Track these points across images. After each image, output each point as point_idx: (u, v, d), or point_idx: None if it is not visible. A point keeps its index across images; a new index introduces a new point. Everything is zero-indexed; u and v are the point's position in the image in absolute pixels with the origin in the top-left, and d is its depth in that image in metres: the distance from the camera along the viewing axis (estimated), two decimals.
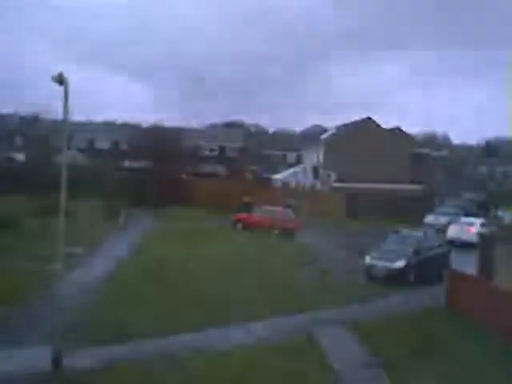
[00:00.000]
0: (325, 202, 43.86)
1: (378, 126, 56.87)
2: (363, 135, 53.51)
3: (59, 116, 12.25)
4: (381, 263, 21.15)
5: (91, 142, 68.41)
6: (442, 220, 41.02)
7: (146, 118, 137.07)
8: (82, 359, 11.38)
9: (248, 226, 32.86)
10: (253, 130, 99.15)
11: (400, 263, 20.90)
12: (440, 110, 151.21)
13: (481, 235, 23.72)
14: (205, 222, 34.58)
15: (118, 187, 40.03)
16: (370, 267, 21.38)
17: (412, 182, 53.55)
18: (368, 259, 21.67)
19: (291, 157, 78.35)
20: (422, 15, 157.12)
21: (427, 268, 21.76)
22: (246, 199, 39.10)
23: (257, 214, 33.88)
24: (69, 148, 26.63)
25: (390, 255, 21.27)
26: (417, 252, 21.59)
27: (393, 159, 53.46)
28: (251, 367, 11.58)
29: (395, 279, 20.61)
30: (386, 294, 19.42)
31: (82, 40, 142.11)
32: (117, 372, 10.94)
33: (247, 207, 37.11)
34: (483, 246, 21.08)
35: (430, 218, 41.39)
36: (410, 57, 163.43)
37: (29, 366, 10.98)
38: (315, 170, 57.74)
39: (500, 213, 46.79)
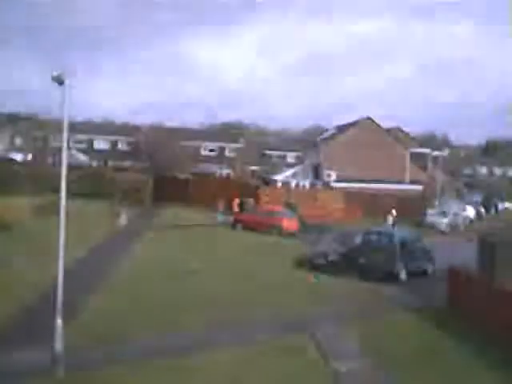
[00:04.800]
0: (325, 201, 43.79)
1: (378, 126, 56.86)
2: (363, 135, 53.49)
3: (59, 116, 12.23)
4: (320, 256, 23.51)
5: (91, 142, 68.32)
6: (442, 220, 41.09)
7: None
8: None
9: (248, 226, 32.81)
10: (253, 130, 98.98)
11: (332, 257, 23.30)
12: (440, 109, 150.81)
13: (481, 235, 23.70)
14: (204, 223, 34.50)
15: (118, 187, 39.98)
16: (312, 258, 23.59)
17: (412, 182, 53.55)
18: (310, 252, 24.32)
19: (291, 157, 78.24)
20: None
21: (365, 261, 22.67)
22: (246, 199, 39.02)
23: (257, 214, 33.84)
24: (69, 148, 26.59)
25: (328, 250, 23.90)
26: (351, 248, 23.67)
27: (393, 159, 53.47)
28: None
29: (329, 269, 22.47)
30: None
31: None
32: None
33: (247, 207, 37.09)
34: (483, 245, 21.05)
35: (430, 218, 41.43)
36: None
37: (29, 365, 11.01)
38: (315, 169, 57.71)
39: (501, 205, 47.82)
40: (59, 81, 11.25)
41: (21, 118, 65.11)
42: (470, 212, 46.67)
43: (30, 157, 54.11)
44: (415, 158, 60.43)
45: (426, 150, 69.27)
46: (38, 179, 36.85)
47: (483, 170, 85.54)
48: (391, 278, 21.62)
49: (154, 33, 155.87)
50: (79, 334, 12.72)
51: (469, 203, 51.01)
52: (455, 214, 43.03)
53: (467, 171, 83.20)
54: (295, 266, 23.35)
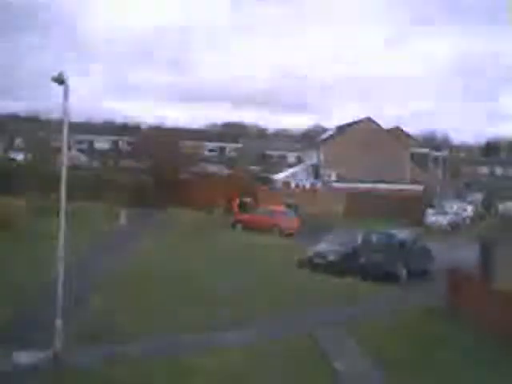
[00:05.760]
0: (325, 201, 43.86)
1: (378, 125, 56.87)
2: (363, 135, 53.51)
3: (59, 116, 12.25)
4: (320, 256, 23.32)
5: (91, 142, 68.42)
6: (443, 220, 41.14)
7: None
8: None
9: (248, 226, 32.83)
10: (253, 130, 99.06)
11: (332, 257, 22.98)
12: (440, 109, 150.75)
13: (481, 235, 23.74)
14: (203, 223, 34.54)
15: (118, 187, 39.98)
16: (311, 259, 23.41)
17: (412, 182, 53.56)
18: (310, 252, 23.72)
19: (291, 157, 78.30)
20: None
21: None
22: (246, 199, 39.10)
23: (257, 214, 33.86)
24: (69, 148, 26.61)
25: (328, 250, 23.38)
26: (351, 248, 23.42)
27: (393, 159, 53.48)
28: None
29: (329, 269, 22.23)
30: None
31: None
32: None
33: (247, 207, 37.14)
34: (484, 245, 21.06)
35: (430, 218, 41.47)
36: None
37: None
38: (315, 169, 57.73)
39: (502, 205, 47.99)
40: (59, 81, 11.25)
41: (21, 118, 65.17)
42: (471, 212, 46.75)
43: (30, 157, 54.12)
44: (415, 158, 60.47)
45: (426, 150, 69.28)
46: (38, 179, 36.83)
47: (484, 170, 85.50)
48: (391, 277, 21.73)
49: None
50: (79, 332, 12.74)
51: (469, 203, 51.10)
52: (455, 214, 43.13)
53: (467, 171, 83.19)
54: (295, 266, 23.38)
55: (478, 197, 58.41)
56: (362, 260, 22.46)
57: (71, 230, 13.24)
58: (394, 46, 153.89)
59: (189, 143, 55.58)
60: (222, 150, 71.02)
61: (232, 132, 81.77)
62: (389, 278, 21.64)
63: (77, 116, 63.16)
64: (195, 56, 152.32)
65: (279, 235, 31.75)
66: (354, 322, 15.90)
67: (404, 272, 22.17)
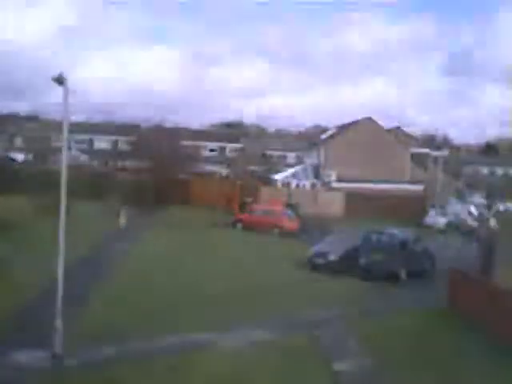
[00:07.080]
0: (325, 201, 43.86)
1: (379, 125, 56.83)
2: (363, 135, 53.49)
3: (59, 116, 12.26)
4: (320, 256, 23.34)
5: (91, 142, 68.41)
6: (442, 220, 41.12)
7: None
8: None
9: (248, 226, 32.84)
10: (253, 130, 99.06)
11: (332, 257, 22.96)
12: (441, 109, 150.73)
13: (481, 234, 23.78)
14: (204, 222, 34.56)
15: (118, 187, 39.97)
16: (312, 258, 23.42)
17: (412, 182, 53.55)
18: (311, 252, 23.77)
19: (291, 157, 78.29)
20: None
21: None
22: (246, 199, 39.07)
23: (257, 214, 33.87)
24: (69, 148, 26.60)
25: (328, 250, 23.39)
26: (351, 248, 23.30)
27: (393, 159, 53.45)
28: None
29: (329, 269, 22.30)
30: None
31: None
32: None
33: (247, 207, 37.11)
34: (484, 244, 21.09)
35: (430, 219, 41.43)
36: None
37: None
38: (315, 169, 57.70)
39: (502, 205, 47.92)
40: (59, 81, 11.26)
41: (21, 118, 65.19)
42: (471, 212, 46.63)
43: (30, 157, 54.20)
44: (415, 158, 60.40)
45: (426, 150, 69.21)
46: (38, 179, 36.83)
47: (484, 170, 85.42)
48: (391, 278, 21.70)
49: None
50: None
51: (470, 203, 51.05)
52: (456, 215, 43.08)
53: (468, 171, 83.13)
54: (295, 266, 23.38)
55: (478, 197, 58.34)
56: (363, 260, 22.45)
57: (71, 229, 13.22)
58: None
59: (189, 143, 55.60)
60: (222, 149, 71.00)
61: (232, 132, 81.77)
62: (389, 278, 21.61)
63: (77, 115, 63.29)
64: None
65: (279, 235, 31.74)
66: (355, 321, 15.90)
67: (404, 272, 22.14)
